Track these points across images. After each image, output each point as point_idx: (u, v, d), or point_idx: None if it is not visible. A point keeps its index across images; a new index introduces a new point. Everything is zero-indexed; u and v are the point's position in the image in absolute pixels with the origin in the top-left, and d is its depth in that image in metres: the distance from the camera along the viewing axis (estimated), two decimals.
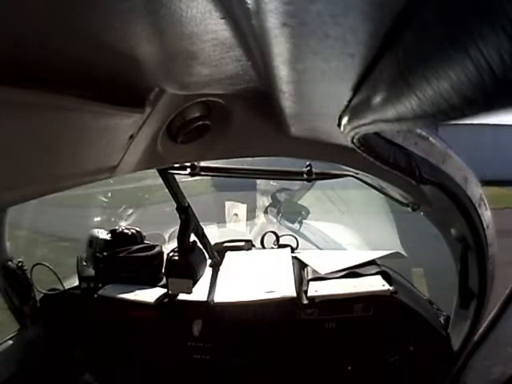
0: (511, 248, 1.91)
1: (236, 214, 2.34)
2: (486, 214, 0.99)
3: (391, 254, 1.64)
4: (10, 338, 1.44)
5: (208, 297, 1.44)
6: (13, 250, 1.51)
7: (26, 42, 0.39)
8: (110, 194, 3.18)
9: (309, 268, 1.60)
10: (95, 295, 1.50)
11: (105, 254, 1.60)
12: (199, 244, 1.55)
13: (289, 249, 1.77)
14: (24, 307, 1.51)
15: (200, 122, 0.83)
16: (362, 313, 1.39)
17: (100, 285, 1.54)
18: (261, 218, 2.45)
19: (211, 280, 1.56)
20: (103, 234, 1.63)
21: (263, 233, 1.87)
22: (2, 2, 0.31)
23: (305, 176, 1.31)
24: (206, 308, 1.42)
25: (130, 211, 2.54)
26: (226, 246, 1.84)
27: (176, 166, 1.30)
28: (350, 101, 0.50)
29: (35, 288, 1.55)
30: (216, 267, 1.68)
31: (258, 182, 2.75)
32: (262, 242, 1.83)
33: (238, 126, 0.89)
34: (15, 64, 0.40)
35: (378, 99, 0.35)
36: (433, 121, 0.27)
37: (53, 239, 4.38)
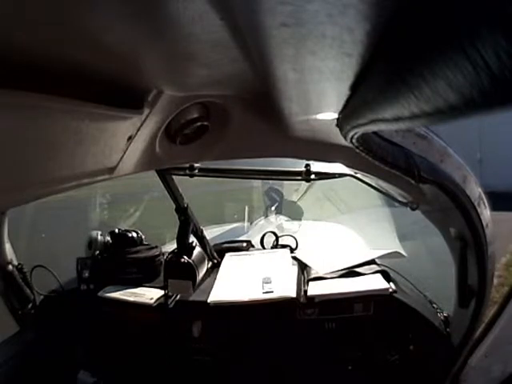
0: None
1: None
2: (486, 213, 0.99)
3: (390, 253, 1.64)
4: (10, 340, 1.44)
5: (208, 297, 1.44)
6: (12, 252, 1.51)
7: (25, 44, 0.39)
8: None
9: (308, 268, 1.60)
10: (95, 297, 1.50)
11: (104, 255, 1.60)
12: (198, 245, 1.55)
13: (288, 249, 1.77)
14: (24, 309, 1.51)
15: (199, 123, 0.83)
16: (362, 312, 1.40)
17: (100, 286, 1.54)
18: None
19: (211, 281, 1.56)
20: (103, 236, 1.63)
21: (263, 233, 1.87)
22: (1, 3, 0.31)
23: (303, 176, 1.31)
24: (206, 309, 1.42)
25: None
26: (225, 247, 1.84)
27: (175, 167, 1.30)
28: (348, 100, 0.50)
29: (35, 290, 1.55)
30: (215, 268, 1.68)
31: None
32: (261, 242, 1.83)
33: (237, 127, 0.89)
34: (14, 66, 0.40)
35: (375, 98, 0.35)
36: (431, 120, 0.27)
37: None
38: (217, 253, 1.76)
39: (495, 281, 1.16)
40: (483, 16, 0.17)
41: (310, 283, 1.49)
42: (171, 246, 1.55)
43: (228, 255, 1.75)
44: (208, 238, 1.70)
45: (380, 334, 1.40)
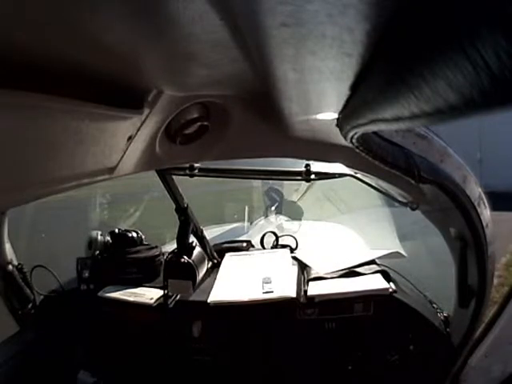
0: None
1: None
2: (486, 213, 0.99)
3: (390, 253, 1.64)
4: (10, 340, 1.44)
5: (208, 297, 1.44)
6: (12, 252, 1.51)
7: (25, 44, 0.39)
8: None
9: (308, 268, 1.60)
10: (95, 297, 1.50)
11: (104, 255, 1.60)
12: (198, 245, 1.55)
13: (288, 249, 1.77)
14: (24, 309, 1.51)
15: (199, 123, 0.83)
16: (362, 312, 1.40)
17: (100, 286, 1.54)
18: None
19: (211, 281, 1.56)
20: (103, 236, 1.63)
21: (263, 233, 1.87)
22: (1, 3, 0.31)
23: (303, 176, 1.31)
24: (206, 309, 1.42)
25: None
26: (225, 247, 1.84)
27: (175, 167, 1.30)
28: (348, 100, 0.50)
29: (35, 290, 1.55)
30: (215, 268, 1.68)
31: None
32: (261, 242, 1.83)
33: (237, 127, 0.89)
34: (14, 66, 0.40)
35: (375, 98, 0.35)
36: (431, 120, 0.27)
37: None
38: (217, 253, 1.76)
39: (495, 281, 1.16)
40: (483, 16, 0.17)
41: (310, 283, 1.49)
42: (171, 246, 1.55)
43: (228, 255, 1.75)
44: (208, 238, 1.70)
45: (380, 334, 1.40)
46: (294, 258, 1.68)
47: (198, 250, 1.49)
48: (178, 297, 1.46)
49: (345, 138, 0.60)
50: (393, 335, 1.39)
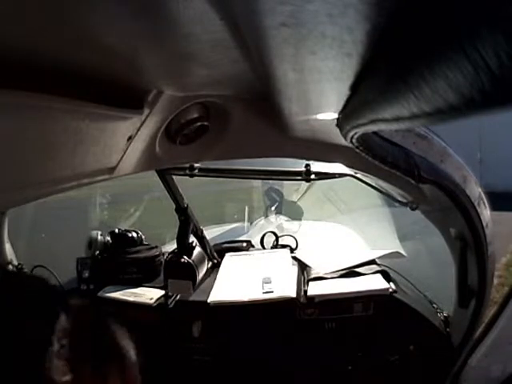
0: None
1: None
2: (486, 213, 0.99)
3: (391, 253, 1.64)
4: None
5: (208, 297, 1.44)
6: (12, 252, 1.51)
7: (25, 44, 0.39)
8: None
9: (308, 268, 1.60)
10: (95, 297, 1.50)
11: (104, 255, 1.60)
12: (198, 245, 1.55)
13: (288, 249, 1.77)
14: None
15: (198, 123, 0.83)
16: (362, 312, 1.40)
17: (100, 286, 1.54)
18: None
19: (211, 281, 1.56)
20: (103, 236, 1.63)
21: (263, 233, 1.87)
22: (1, 3, 0.31)
23: (303, 176, 1.31)
24: (206, 309, 1.42)
25: None
26: (225, 247, 1.84)
27: (175, 167, 1.30)
28: (348, 100, 0.50)
29: None
30: (215, 268, 1.68)
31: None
32: (261, 242, 1.83)
33: (237, 127, 0.89)
34: (14, 66, 0.40)
35: (375, 98, 0.35)
36: (431, 120, 0.27)
37: None
38: (217, 253, 1.75)
39: (495, 281, 1.16)
40: (483, 16, 0.17)
41: (310, 283, 1.49)
42: (171, 246, 1.55)
43: (228, 255, 1.75)
44: (208, 238, 1.70)
45: (380, 333, 1.40)
46: (294, 258, 1.68)
47: (198, 250, 1.49)
48: (178, 297, 1.46)
49: (345, 138, 0.60)
50: (393, 335, 1.39)
